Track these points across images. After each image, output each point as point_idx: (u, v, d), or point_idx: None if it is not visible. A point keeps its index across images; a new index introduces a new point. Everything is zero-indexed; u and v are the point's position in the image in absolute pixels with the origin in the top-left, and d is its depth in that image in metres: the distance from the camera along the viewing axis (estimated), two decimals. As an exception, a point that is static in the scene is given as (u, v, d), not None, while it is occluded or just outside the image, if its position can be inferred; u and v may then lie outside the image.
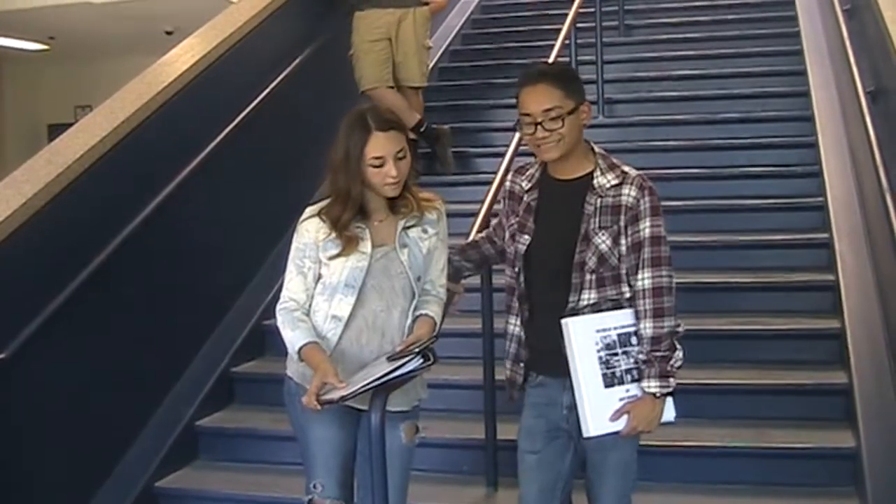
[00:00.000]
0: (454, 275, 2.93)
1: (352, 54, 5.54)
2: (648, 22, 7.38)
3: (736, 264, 4.77)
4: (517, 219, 2.74)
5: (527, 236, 2.71)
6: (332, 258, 2.68)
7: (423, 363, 2.54)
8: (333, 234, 2.67)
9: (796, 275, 4.59)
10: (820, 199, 4.95)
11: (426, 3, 5.73)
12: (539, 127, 2.59)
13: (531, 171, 2.77)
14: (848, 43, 5.27)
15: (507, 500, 3.49)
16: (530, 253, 2.71)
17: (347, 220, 2.67)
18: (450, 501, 3.66)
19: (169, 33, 10.40)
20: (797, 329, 4.26)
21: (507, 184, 2.82)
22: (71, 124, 4.16)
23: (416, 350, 2.55)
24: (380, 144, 2.62)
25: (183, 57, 4.58)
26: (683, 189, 5.28)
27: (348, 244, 2.66)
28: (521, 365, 2.78)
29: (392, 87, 5.57)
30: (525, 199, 2.74)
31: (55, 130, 6.23)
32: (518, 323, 2.76)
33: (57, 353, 3.56)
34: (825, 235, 4.69)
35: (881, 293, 4.09)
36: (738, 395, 3.98)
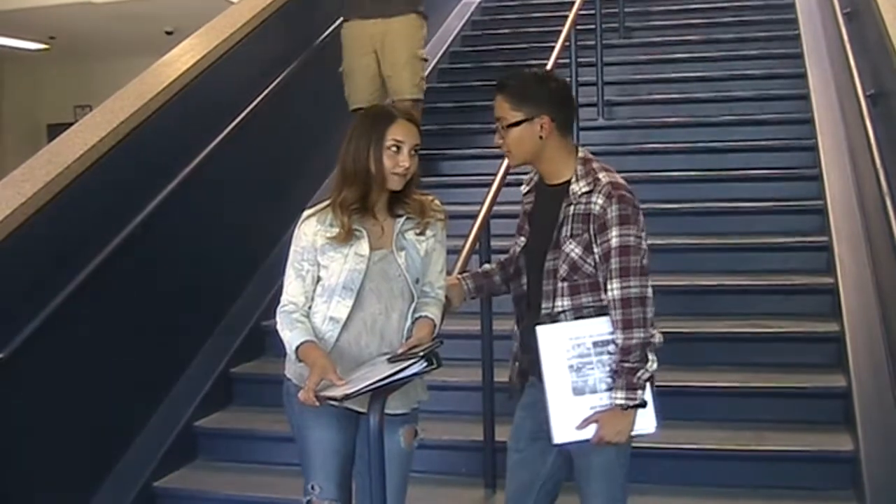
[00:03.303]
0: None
1: (342, 70, 5.28)
2: (648, 24, 7.38)
3: (735, 267, 4.77)
4: (519, 221, 2.81)
5: (523, 238, 2.78)
6: (334, 246, 2.68)
7: (426, 367, 2.54)
8: (335, 231, 2.67)
9: (795, 278, 4.60)
10: (819, 202, 4.95)
11: (419, 12, 5.30)
12: (497, 134, 2.68)
13: (531, 174, 2.82)
14: (848, 46, 5.27)
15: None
16: (525, 256, 2.75)
17: (373, 202, 2.70)
18: (448, 503, 3.65)
19: (169, 33, 10.41)
20: (796, 332, 4.26)
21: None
22: (71, 124, 4.16)
23: (421, 353, 2.54)
24: (402, 130, 2.68)
25: (183, 57, 4.59)
26: (683, 191, 5.30)
27: (349, 235, 2.67)
28: (517, 364, 2.81)
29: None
30: (524, 202, 2.80)
31: (55, 130, 6.23)
32: (517, 321, 2.79)
33: (56, 353, 3.56)
34: (825, 238, 4.69)
35: (880, 296, 4.09)
36: (736, 398, 3.98)
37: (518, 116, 2.62)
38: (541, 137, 2.62)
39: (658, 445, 3.21)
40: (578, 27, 5.93)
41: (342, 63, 5.27)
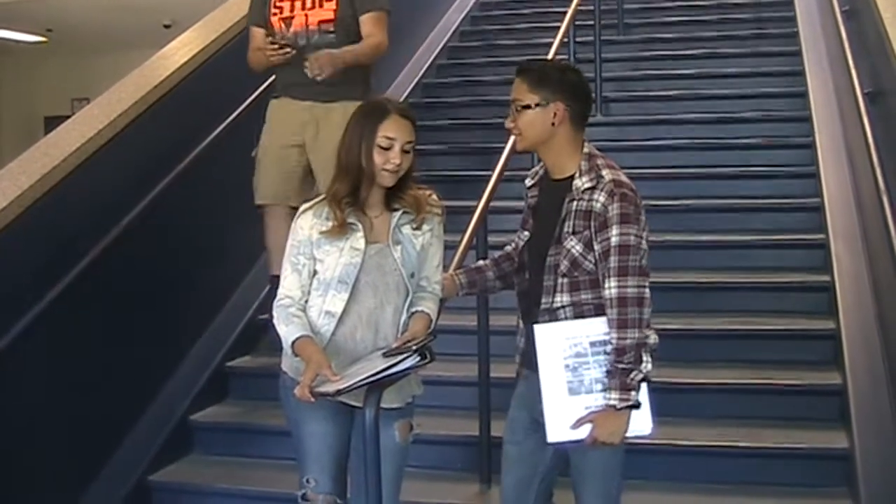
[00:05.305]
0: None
1: (254, 155, 4.29)
2: (647, 21, 7.38)
3: (731, 264, 4.78)
4: (523, 215, 2.81)
5: (526, 233, 2.77)
6: (330, 240, 2.67)
7: (419, 361, 2.54)
8: (330, 224, 2.67)
9: (792, 275, 4.60)
10: (816, 199, 4.95)
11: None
12: (510, 116, 2.69)
13: (536, 168, 2.82)
14: (846, 44, 5.27)
15: (500, 497, 3.50)
16: (528, 251, 2.75)
17: (365, 196, 2.69)
18: (443, 498, 3.66)
19: (167, 26, 10.41)
20: (792, 329, 4.27)
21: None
22: (68, 117, 4.16)
23: (414, 347, 2.55)
24: (394, 126, 2.66)
25: (181, 50, 4.58)
26: (680, 188, 5.30)
27: (342, 228, 2.67)
28: (523, 358, 2.80)
29: (295, 207, 3.43)
30: (528, 196, 2.80)
31: (52, 123, 6.21)
32: (521, 316, 2.79)
33: (52, 347, 3.56)
34: (821, 236, 4.69)
35: (876, 294, 4.10)
36: (731, 395, 3.98)
37: (534, 99, 2.63)
38: (553, 125, 2.62)
39: (653, 442, 3.20)
40: (577, 23, 5.93)
41: (257, 147, 4.29)
